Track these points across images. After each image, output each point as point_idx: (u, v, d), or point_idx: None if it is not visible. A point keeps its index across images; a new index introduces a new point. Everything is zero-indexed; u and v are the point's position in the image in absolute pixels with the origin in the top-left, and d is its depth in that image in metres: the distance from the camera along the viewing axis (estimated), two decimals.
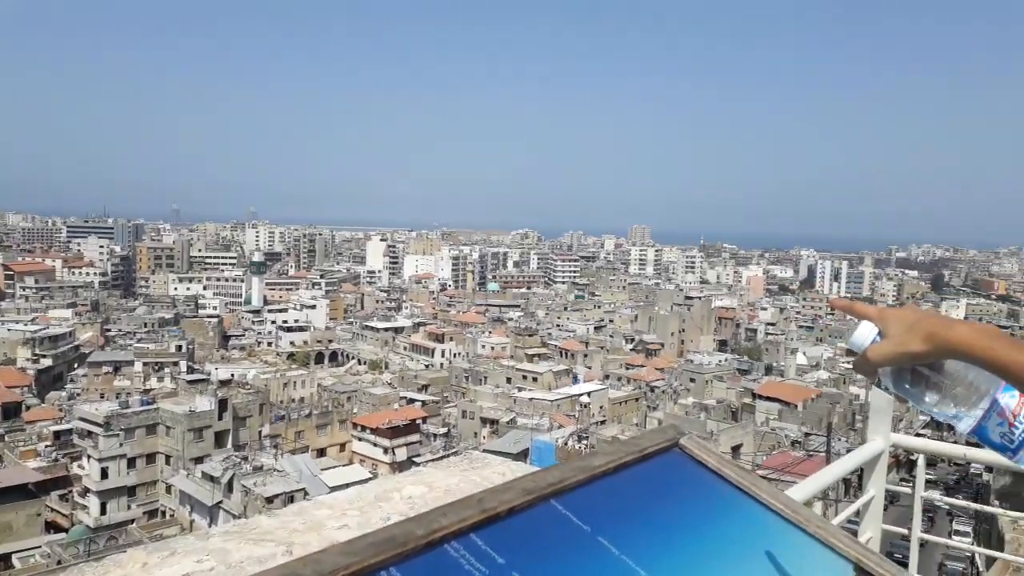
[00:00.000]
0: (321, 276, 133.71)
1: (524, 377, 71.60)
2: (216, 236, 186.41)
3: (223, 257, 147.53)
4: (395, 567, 1.04)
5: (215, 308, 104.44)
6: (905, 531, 3.75)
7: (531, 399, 61.24)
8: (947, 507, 50.10)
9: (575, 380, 72.03)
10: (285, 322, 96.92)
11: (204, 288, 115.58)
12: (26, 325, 76.05)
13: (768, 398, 63.78)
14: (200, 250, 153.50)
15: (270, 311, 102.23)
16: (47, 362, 69.83)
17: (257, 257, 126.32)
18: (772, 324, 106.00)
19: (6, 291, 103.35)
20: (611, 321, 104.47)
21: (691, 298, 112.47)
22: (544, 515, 1.29)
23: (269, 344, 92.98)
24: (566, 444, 46.25)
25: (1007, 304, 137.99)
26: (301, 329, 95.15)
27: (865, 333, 1.08)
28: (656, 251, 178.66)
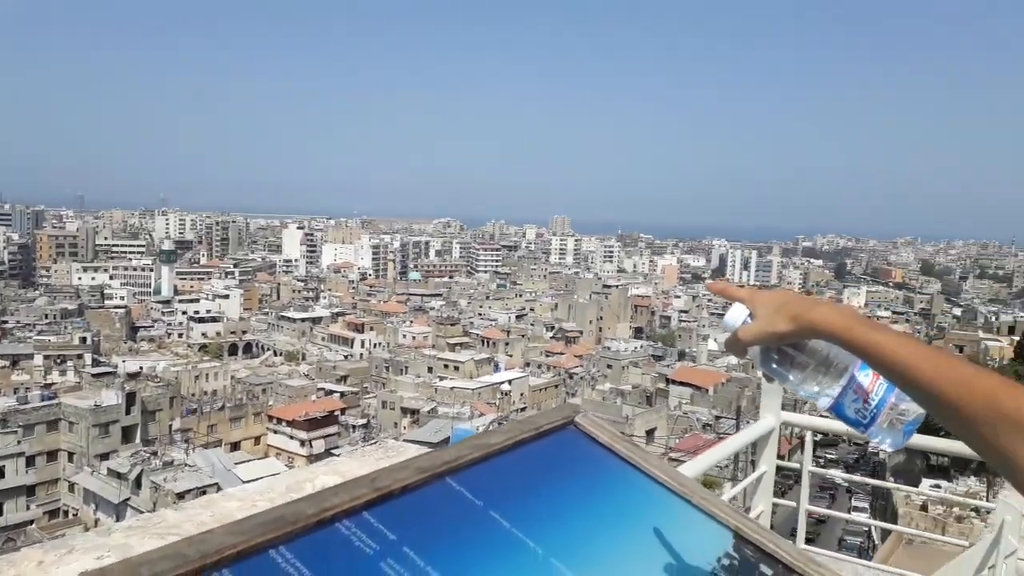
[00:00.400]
0: (235, 265, 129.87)
1: (445, 366, 71.57)
2: (124, 224, 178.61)
3: (131, 245, 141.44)
4: (284, 546, 1.02)
5: (122, 298, 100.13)
6: (794, 504, 3.98)
7: (452, 388, 61.30)
8: (845, 484, 52.89)
9: (496, 368, 72.47)
10: (197, 312, 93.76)
11: (111, 278, 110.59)
12: None
13: (681, 383, 65.80)
14: (106, 238, 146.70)
15: (181, 301, 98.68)
16: None
17: (167, 245, 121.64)
18: (685, 312, 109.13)
19: None
20: (532, 310, 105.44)
21: (609, 287, 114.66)
22: (438, 492, 1.30)
23: (180, 335, 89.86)
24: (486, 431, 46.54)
25: (903, 291, 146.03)
26: (214, 320, 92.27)
27: (736, 314, 1.12)
28: (576, 241, 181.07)
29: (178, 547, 0.94)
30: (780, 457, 3.99)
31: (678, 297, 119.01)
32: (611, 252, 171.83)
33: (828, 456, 56.89)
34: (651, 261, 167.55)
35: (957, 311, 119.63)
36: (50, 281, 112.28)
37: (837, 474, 4.29)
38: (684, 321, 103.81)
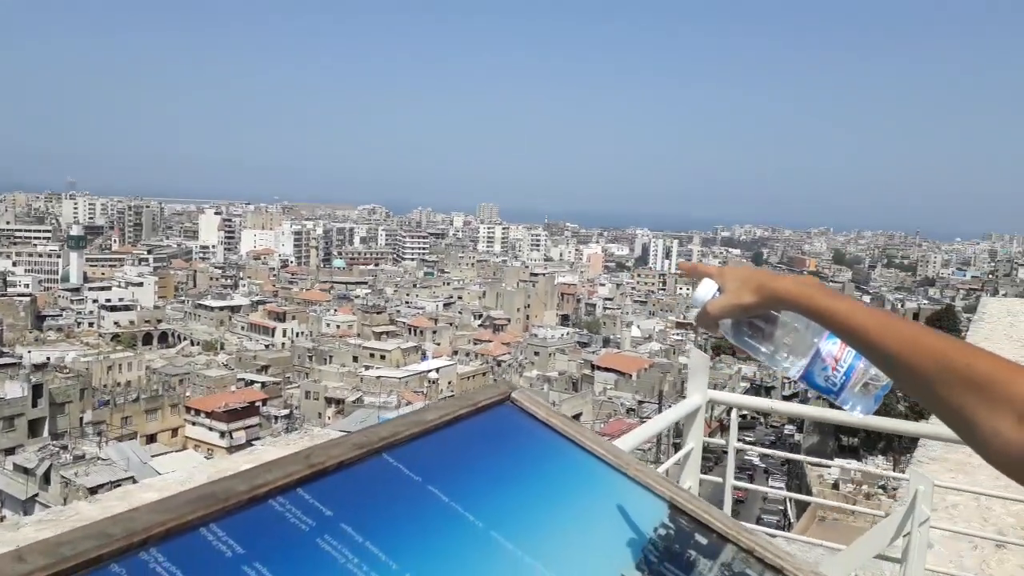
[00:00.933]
0: (149, 252, 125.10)
1: (372, 355, 70.76)
2: (28, 207, 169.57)
3: (36, 230, 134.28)
4: (215, 523, 0.99)
5: (27, 286, 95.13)
6: (720, 479, 4.08)
7: (379, 377, 60.68)
8: (763, 465, 54.86)
9: (424, 357, 72.09)
10: (108, 301, 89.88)
11: (14, 264, 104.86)
12: None
13: (606, 369, 66.95)
14: (8, 222, 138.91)
15: (91, 289, 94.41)
16: None
17: (76, 231, 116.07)
18: (610, 299, 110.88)
19: None
20: (460, 298, 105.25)
21: (536, 275, 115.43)
22: (375, 468, 1.30)
23: (91, 324, 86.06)
24: None
25: (816, 279, 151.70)
26: (127, 308, 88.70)
27: (706, 290, 1.17)
28: (504, 229, 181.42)
29: (102, 526, 0.90)
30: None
31: (603, 285, 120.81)
32: (538, 241, 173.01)
33: (747, 438, 58.99)
34: (577, 250, 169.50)
35: (867, 298, 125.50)
36: None
37: (759, 450, 4.42)
38: (609, 308, 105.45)
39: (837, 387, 1.10)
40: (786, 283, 1.08)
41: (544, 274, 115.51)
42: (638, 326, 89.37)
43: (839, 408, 1.16)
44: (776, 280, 1.09)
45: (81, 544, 0.85)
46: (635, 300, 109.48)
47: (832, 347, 1.10)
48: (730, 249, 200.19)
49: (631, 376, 64.79)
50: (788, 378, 1.19)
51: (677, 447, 4.04)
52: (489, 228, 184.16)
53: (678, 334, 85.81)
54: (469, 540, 1.24)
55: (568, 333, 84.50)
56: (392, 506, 1.23)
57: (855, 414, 1.13)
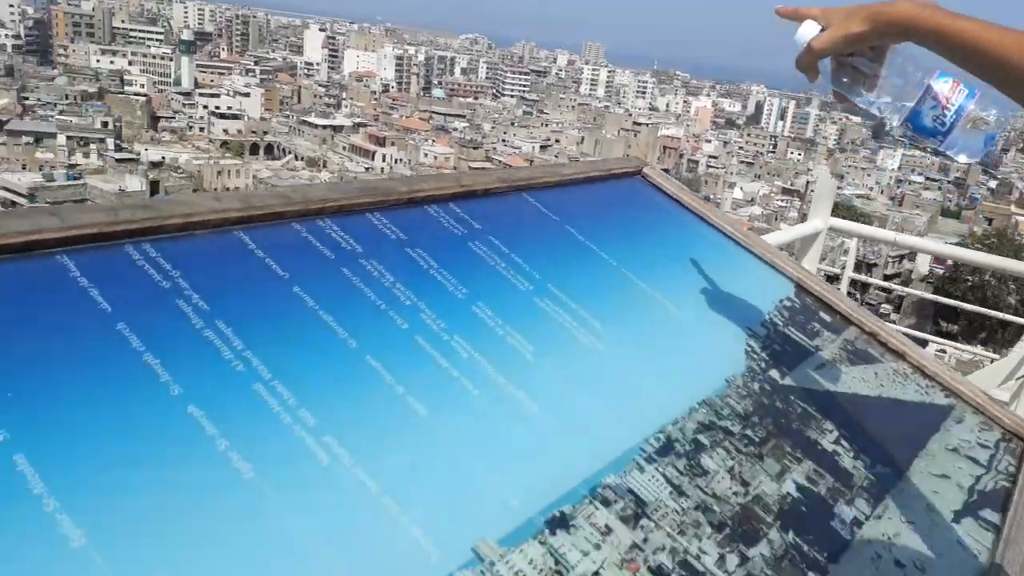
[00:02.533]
0: (255, 63, 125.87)
1: None
2: (140, 7, 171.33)
3: (149, 31, 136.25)
4: (379, 212, 1.11)
5: (142, 86, 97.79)
6: None
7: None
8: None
9: None
10: (218, 108, 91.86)
11: (129, 63, 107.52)
12: None
13: None
14: (123, 21, 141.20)
15: (201, 95, 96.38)
16: None
17: (187, 35, 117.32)
18: (715, 157, 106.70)
19: None
20: (557, 141, 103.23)
21: (639, 124, 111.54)
22: (516, 201, 1.40)
23: (201, 130, 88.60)
24: None
25: (939, 158, 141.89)
26: (235, 117, 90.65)
27: (808, 30, 1.08)
28: (609, 72, 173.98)
29: (284, 191, 1.01)
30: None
31: (709, 142, 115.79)
32: (644, 88, 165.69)
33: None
34: (685, 102, 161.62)
35: (992, 184, 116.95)
36: (68, 61, 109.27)
37: (876, 282, 4.22)
38: (712, 167, 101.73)
39: (946, 127, 1.03)
40: (903, 6, 0.95)
41: (648, 124, 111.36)
42: (741, 188, 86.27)
43: (946, 157, 1.09)
44: (892, 5, 0.96)
45: (268, 199, 0.97)
46: (741, 160, 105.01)
47: (943, 86, 1.02)
48: (850, 116, 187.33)
49: None
50: (890, 126, 1.13)
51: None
52: (594, 70, 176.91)
53: (783, 200, 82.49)
54: (604, 272, 1.32)
55: None
56: (534, 233, 1.33)
57: (960, 159, 1.06)
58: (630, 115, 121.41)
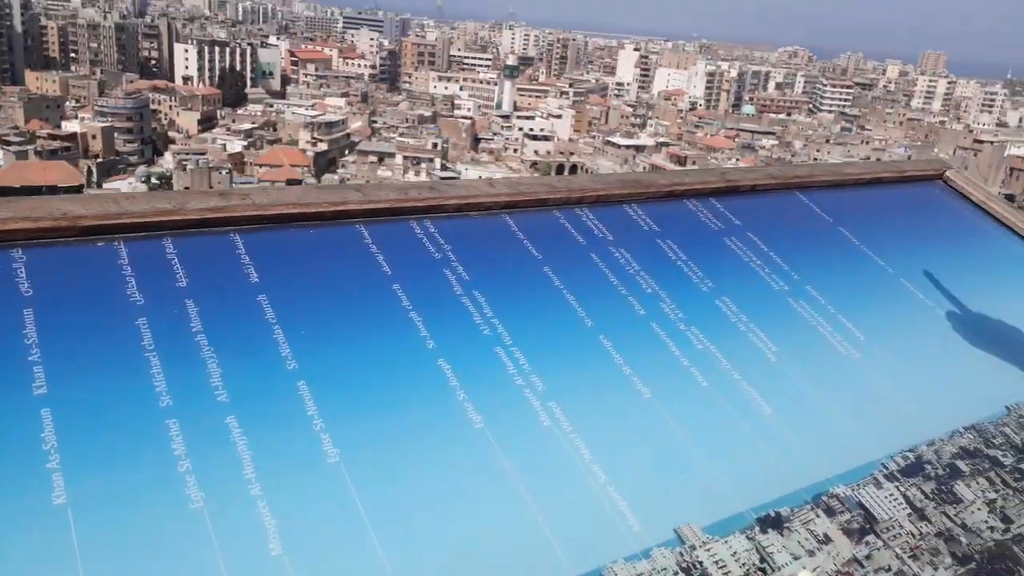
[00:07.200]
0: (570, 85, 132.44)
1: None
2: (475, 36, 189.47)
3: (479, 58, 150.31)
4: (637, 204, 1.15)
5: (468, 110, 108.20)
6: None
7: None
8: None
9: None
10: (531, 130, 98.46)
11: (460, 88, 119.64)
12: (307, 110, 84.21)
13: None
14: (459, 49, 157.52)
15: (518, 117, 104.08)
16: (323, 146, 77.55)
17: (511, 61, 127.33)
18: None
19: (291, 76, 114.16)
20: (879, 159, 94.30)
21: (981, 142, 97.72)
22: (786, 200, 1.33)
23: (515, 151, 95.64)
24: None
25: None
26: (546, 138, 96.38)
27: None
28: (949, 83, 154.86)
29: (550, 180, 1.12)
30: None
31: None
32: (993, 100, 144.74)
33: None
34: None
35: None
36: (411, 87, 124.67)
37: None
38: None
39: None
40: None
41: (993, 142, 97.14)
42: None
43: None
44: None
45: (535, 186, 1.08)
46: None
47: None
48: None
49: None
50: None
51: None
52: (930, 81, 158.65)
53: None
54: (876, 279, 1.24)
55: None
56: (798, 232, 1.27)
57: None
58: (971, 131, 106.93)
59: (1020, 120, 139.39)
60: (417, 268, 0.91)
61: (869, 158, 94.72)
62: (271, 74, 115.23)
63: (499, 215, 1.03)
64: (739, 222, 1.21)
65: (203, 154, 65.44)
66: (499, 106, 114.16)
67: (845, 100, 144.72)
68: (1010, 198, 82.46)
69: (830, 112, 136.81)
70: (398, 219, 0.96)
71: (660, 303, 0.99)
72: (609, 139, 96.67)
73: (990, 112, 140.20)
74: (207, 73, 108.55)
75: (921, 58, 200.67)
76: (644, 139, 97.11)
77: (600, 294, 0.98)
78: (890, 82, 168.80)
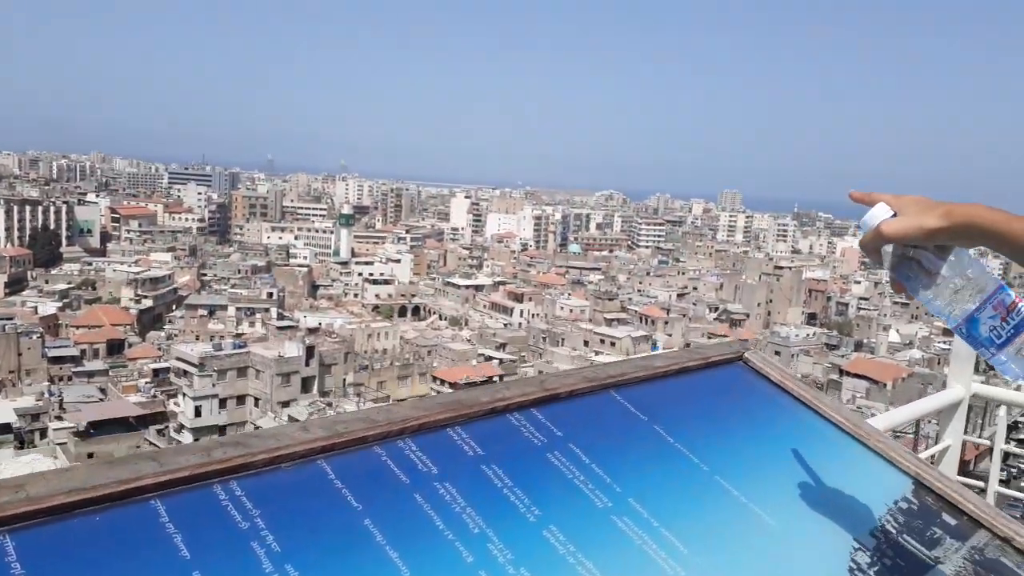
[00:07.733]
0: (407, 231, 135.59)
1: (602, 341, 71.14)
2: (308, 187, 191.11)
3: (314, 208, 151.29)
4: (460, 427, 1.12)
5: (305, 258, 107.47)
6: (982, 484, 3.42)
7: (607, 364, 60.79)
8: None
9: (654, 347, 71.04)
10: (371, 275, 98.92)
11: (295, 238, 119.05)
12: (129, 267, 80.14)
13: (856, 375, 61.53)
14: (292, 200, 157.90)
15: (357, 263, 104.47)
16: (148, 303, 73.63)
17: (346, 210, 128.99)
18: (865, 299, 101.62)
19: (112, 233, 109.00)
20: (695, 289, 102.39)
21: (781, 268, 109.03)
22: (603, 401, 1.36)
23: (355, 295, 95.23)
24: None
25: None
26: (386, 282, 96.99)
27: (879, 212, 1.06)
28: (747, 217, 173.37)
29: (369, 413, 1.07)
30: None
31: (858, 283, 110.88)
32: (785, 231, 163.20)
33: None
34: (829, 243, 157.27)
35: None
36: (243, 239, 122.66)
37: None
38: (864, 309, 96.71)
39: (1000, 340, 1.01)
40: (979, 208, 0.98)
41: (791, 268, 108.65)
42: (897, 330, 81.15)
43: (990, 368, 1.06)
44: (967, 206, 0.99)
45: (352, 424, 1.03)
46: (895, 301, 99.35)
47: (1006, 298, 1.02)
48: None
49: (885, 385, 59.01)
50: (946, 327, 1.09)
51: (938, 438, 3.54)
52: (731, 216, 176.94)
53: (945, 342, 76.61)
54: (693, 480, 1.24)
55: (814, 333, 78.91)
56: (618, 436, 1.28)
57: (1007, 375, 1.03)
58: (771, 259, 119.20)
59: (810, 247, 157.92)
60: (219, 546, 0.80)
61: (686, 287, 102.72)
62: (89, 231, 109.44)
63: (315, 461, 0.95)
64: (560, 433, 1.20)
65: (10, 319, 59.94)
66: (336, 253, 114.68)
67: (659, 236, 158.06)
68: (812, 317, 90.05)
69: (647, 247, 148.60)
70: (201, 485, 0.85)
71: (487, 544, 0.93)
72: (449, 280, 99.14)
73: (784, 240, 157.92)
74: (15, 233, 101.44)
75: (720, 196, 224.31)
76: (482, 279, 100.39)
77: (427, 540, 0.91)
78: (696, 218, 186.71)
